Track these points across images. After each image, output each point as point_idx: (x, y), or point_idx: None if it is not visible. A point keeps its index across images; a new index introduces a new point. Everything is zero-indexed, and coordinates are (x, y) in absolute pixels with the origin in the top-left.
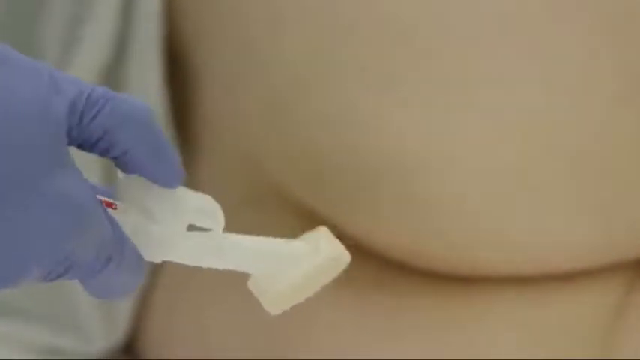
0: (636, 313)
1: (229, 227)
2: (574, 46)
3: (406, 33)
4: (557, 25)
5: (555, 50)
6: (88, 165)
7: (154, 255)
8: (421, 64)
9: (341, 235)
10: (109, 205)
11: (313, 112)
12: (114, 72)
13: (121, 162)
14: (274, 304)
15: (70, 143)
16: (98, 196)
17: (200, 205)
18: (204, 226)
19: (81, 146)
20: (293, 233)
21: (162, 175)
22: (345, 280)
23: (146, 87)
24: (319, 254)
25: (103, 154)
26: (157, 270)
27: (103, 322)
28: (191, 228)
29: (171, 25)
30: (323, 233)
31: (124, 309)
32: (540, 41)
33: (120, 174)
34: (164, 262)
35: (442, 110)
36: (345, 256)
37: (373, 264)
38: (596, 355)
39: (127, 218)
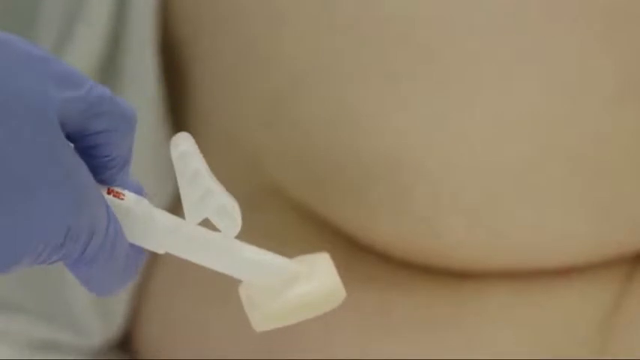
0: (635, 307)
1: None
2: (573, 46)
3: (406, 33)
4: (557, 25)
5: (555, 50)
6: None
7: (156, 245)
8: (421, 64)
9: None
10: (117, 194)
11: (313, 112)
12: (107, 72)
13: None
14: (264, 322)
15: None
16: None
17: (226, 204)
18: (220, 226)
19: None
20: (293, 234)
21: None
22: (343, 278)
23: (141, 86)
24: (315, 281)
25: (82, 148)
26: (154, 265)
27: (99, 317)
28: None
29: (167, 24)
30: (324, 261)
31: (120, 304)
32: (540, 41)
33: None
34: (161, 258)
35: (442, 110)
36: (340, 292)
37: (371, 261)
38: (596, 352)
39: (132, 207)
